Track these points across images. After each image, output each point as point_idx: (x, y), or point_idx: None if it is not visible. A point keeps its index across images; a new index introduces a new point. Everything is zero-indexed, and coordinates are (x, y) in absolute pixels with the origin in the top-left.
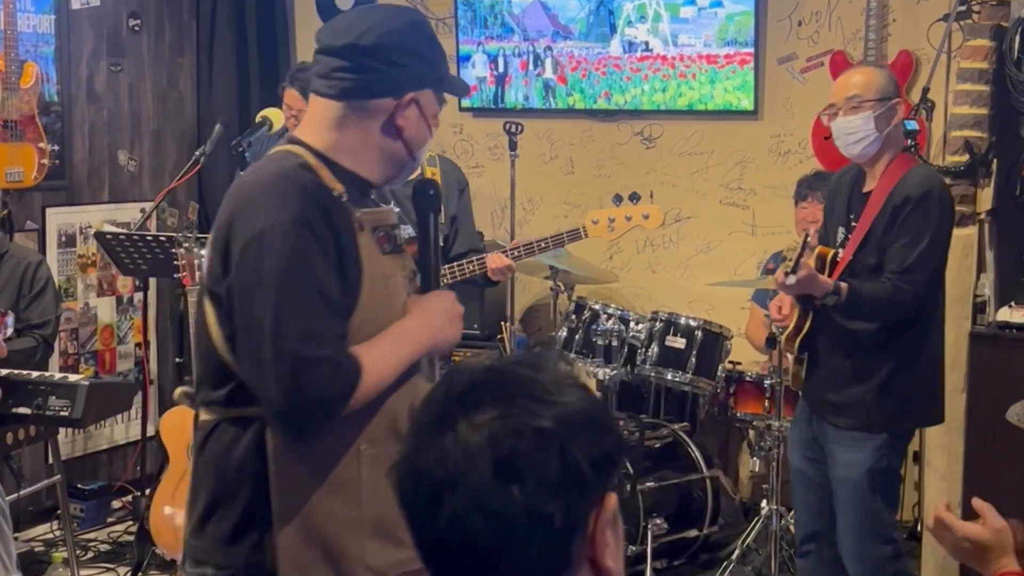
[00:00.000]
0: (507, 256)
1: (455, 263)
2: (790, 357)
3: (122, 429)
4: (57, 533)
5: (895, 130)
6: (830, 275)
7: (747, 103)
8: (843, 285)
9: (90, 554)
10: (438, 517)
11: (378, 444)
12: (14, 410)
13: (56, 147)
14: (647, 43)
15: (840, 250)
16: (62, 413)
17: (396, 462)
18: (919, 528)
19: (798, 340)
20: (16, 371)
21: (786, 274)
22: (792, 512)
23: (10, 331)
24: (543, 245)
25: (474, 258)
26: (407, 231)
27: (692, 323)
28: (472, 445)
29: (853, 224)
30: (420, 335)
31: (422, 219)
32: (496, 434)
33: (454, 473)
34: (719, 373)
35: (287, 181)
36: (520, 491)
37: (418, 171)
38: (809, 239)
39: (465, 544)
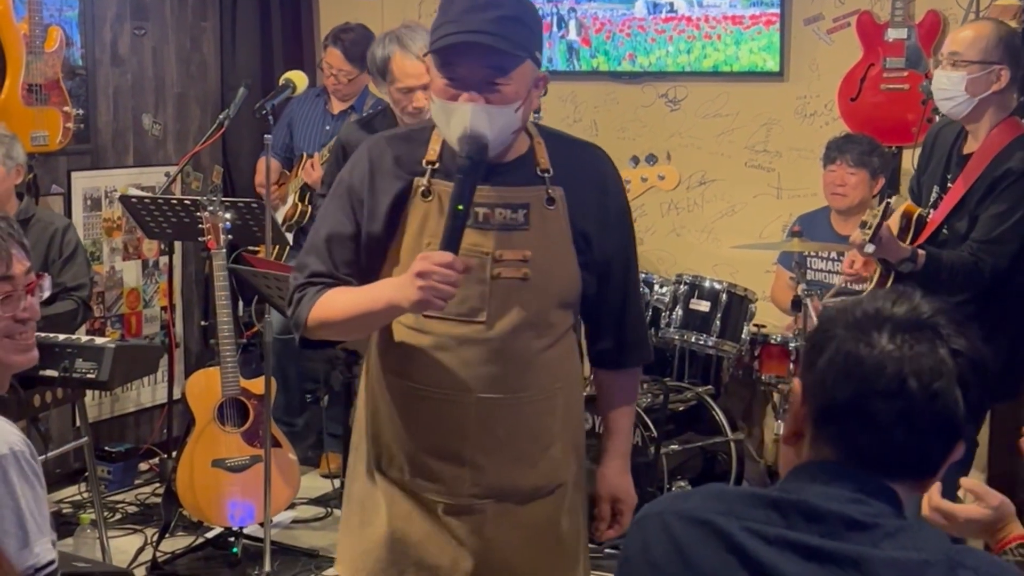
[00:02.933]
0: None
1: None
2: (815, 319)
3: (148, 392)
4: (85, 495)
5: (1000, 95)
6: (917, 236)
7: (773, 64)
8: (920, 252)
9: (117, 516)
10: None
11: (397, 380)
12: (41, 372)
13: (81, 111)
14: (672, 4)
15: (931, 211)
16: (89, 375)
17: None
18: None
19: None
20: (44, 334)
21: (865, 241)
22: None
23: (47, 293)
24: None
25: None
26: None
27: (717, 286)
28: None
29: (949, 185)
30: (381, 290)
31: (456, 180)
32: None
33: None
34: (744, 336)
35: (370, 139)
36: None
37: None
38: (891, 204)
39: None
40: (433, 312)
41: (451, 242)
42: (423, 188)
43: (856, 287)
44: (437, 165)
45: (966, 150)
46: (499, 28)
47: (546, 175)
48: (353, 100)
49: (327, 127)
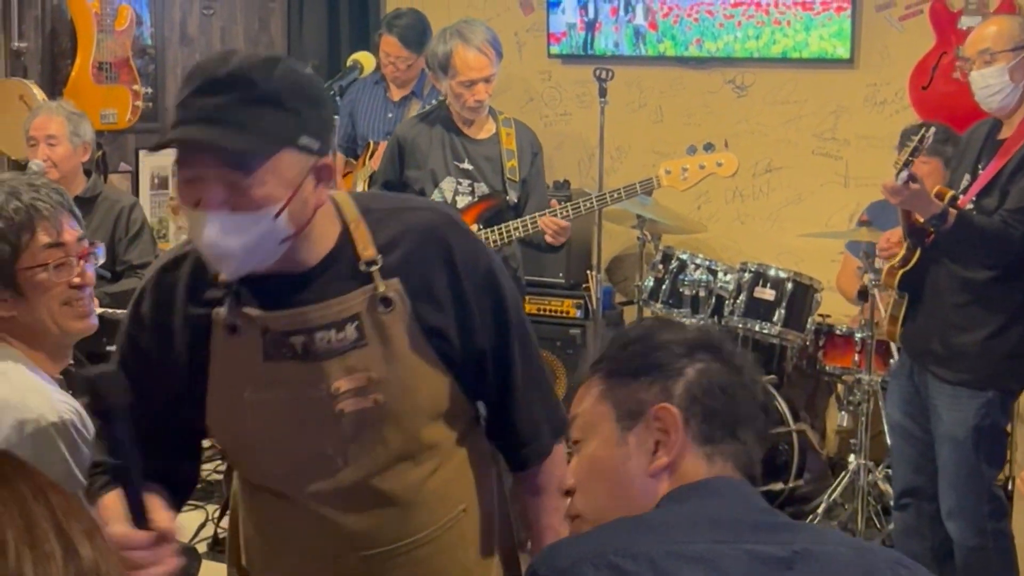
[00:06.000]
0: (571, 210)
1: (498, 226)
2: (882, 310)
3: None
4: None
5: None
6: None
7: (843, 51)
8: (952, 210)
9: None
10: None
11: (267, 554)
12: (108, 348)
13: (149, 90)
14: None
15: (961, 195)
16: None
17: None
18: (1010, 486)
19: (900, 274)
20: (110, 310)
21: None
22: (880, 468)
23: (101, 260)
24: (615, 196)
25: (526, 218)
26: (481, 189)
27: (782, 274)
28: None
29: (980, 171)
30: None
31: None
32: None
33: None
34: (808, 326)
35: (156, 265)
36: None
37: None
38: (927, 136)
39: None
40: (282, 474)
41: (136, 516)
42: (224, 322)
43: (883, 265)
44: (234, 286)
45: (1000, 136)
46: (231, 116)
47: (372, 267)
48: (412, 85)
49: (389, 114)
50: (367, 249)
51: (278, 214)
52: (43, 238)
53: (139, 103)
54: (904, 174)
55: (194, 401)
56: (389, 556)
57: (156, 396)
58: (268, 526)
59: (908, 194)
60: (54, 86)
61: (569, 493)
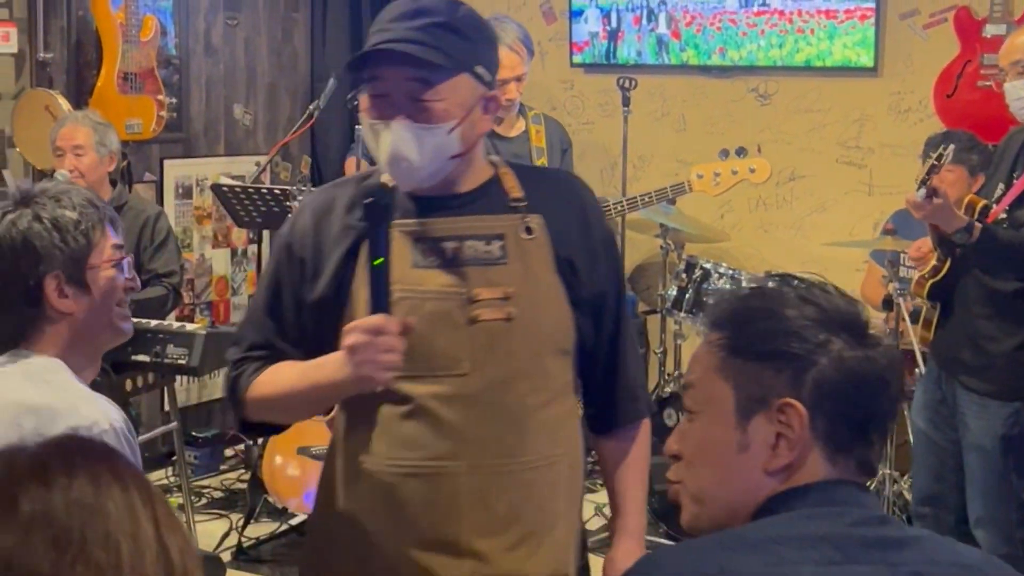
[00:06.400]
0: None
1: None
2: (907, 318)
3: None
4: (172, 479)
5: None
6: None
7: (867, 59)
8: (977, 224)
9: (203, 500)
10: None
11: (375, 463)
12: (133, 357)
13: (174, 100)
14: None
15: (993, 204)
16: (180, 361)
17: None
18: None
19: (929, 284)
20: (136, 319)
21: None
22: (905, 478)
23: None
24: (647, 199)
25: None
26: None
27: None
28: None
29: (1015, 180)
30: (324, 367)
31: (370, 233)
32: None
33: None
34: None
35: (311, 194)
36: None
37: (520, 128)
38: (945, 154)
39: None
40: (408, 371)
41: (380, 302)
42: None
43: (913, 275)
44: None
45: None
46: (426, 36)
47: (519, 204)
48: None
49: None
50: (515, 190)
51: (452, 130)
52: (111, 237)
53: (163, 113)
54: (923, 190)
55: (341, 307)
56: (495, 471)
57: (306, 301)
58: (385, 436)
59: (930, 208)
60: (79, 96)
61: (675, 458)
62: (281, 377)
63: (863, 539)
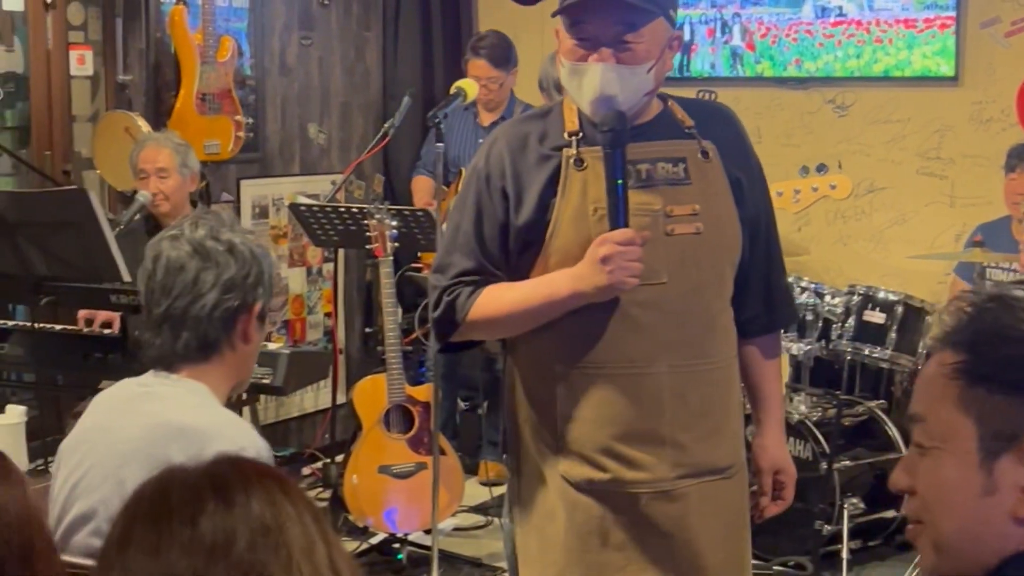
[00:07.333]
0: None
1: None
2: None
3: (311, 397)
4: None
5: None
6: None
7: (947, 69)
8: None
9: None
10: None
11: (572, 366)
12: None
13: (251, 120)
14: (841, 7)
15: None
16: (264, 381)
17: None
18: None
19: None
20: None
21: None
22: None
23: None
24: None
25: None
26: None
27: (892, 297)
28: None
29: None
30: (559, 281)
31: (606, 155)
32: None
33: None
34: (920, 349)
35: (499, 128)
36: None
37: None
38: None
39: None
40: None
41: (621, 218)
42: (574, 158)
43: None
44: (581, 134)
45: None
46: None
47: (692, 131)
48: (502, 109)
49: (479, 140)
50: (686, 119)
51: (650, 69)
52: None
53: (241, 133)
54: None
55: (544, 229)
56: (690, 370)
57: (511, 226)
58: (583, 340)
59: None
60: (158, 118)
61: (908, 492)
62: (506, 296)
63: None
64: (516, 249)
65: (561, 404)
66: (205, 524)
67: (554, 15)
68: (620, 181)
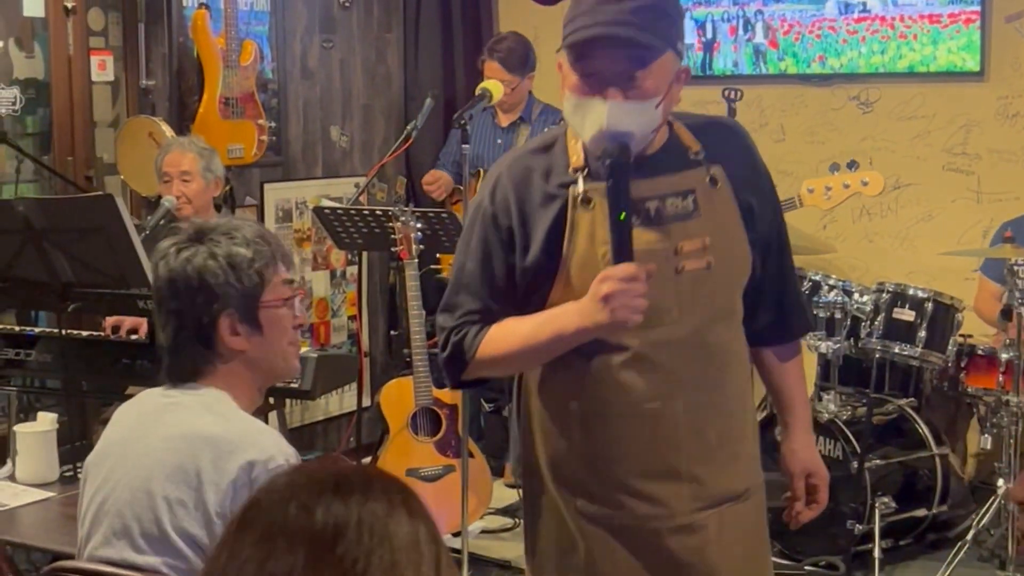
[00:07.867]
0: None
1: None
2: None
3: (336, 401)
4: None
5: None
6: None
7: (972, 64)
8: None
9: None
10: None
11: (587, 405)
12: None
13: (273, 123)
14: (864, 3)
15: None
16: (292, 384)
17: None
18: None
19: None
20: None
21: None
22: None
23: None
24: None
25: None
26: None
27: (921, 294)
28: None
29: None
30: (564, 318)
31: (608, 188)
32: None
33: None
34: (950, 347)
35: (501, 161)
36: None
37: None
38: None
39: None
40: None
41: (624, 252)
42: (580, 196)
43: None
44: (587, 170)
45: None
46: (637, 19)
47: (700, 157)
48: (520, 110)
49: (499, 140)
50: (693, 144)
51: (658, 104)
52: (283, 273)
53: (264, 137)
54: None
55: (554, 268)
56: (705, 405)
57: (519, 266)
58: (600, 381)
59: None
60: (181, 123)
61: None
62: (512, 334)
63: None
64: (523, 289)
65: (577, 442)
66: (320, 513)
67: (559, 51)
68: (623, 215)
